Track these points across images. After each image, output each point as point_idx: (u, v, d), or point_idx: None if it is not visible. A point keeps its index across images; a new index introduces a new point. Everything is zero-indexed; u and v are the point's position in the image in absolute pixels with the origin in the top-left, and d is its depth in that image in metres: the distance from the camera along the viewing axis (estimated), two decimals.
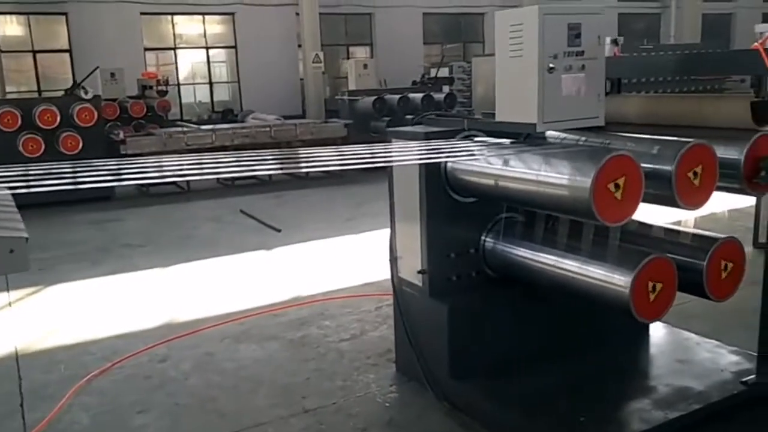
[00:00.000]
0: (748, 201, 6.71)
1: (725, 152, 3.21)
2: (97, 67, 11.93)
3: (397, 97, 12.36)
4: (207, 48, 18.08)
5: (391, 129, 3.93)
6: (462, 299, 3.61)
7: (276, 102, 17.25)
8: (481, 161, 3.36)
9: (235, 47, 18.07)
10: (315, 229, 7.91)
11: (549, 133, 3.59)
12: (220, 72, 18.74)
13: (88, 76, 11.37)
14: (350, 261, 6.44)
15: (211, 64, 18.41)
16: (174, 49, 17.64)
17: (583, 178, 2.79)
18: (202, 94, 18.71)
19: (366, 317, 4.95)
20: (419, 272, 3.68)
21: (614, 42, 3.95)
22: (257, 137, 11.25)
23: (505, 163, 3.23)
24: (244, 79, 18.10)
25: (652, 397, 3.36)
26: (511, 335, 3.69)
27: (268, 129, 11.47)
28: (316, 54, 17.07)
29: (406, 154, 3.47)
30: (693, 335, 4.04)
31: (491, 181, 3.32)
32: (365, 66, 14.18)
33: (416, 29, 19.95)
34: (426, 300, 3.68)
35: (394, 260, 3.94)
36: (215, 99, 18.53)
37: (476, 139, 3.59)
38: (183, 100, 18.32)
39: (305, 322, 4.97)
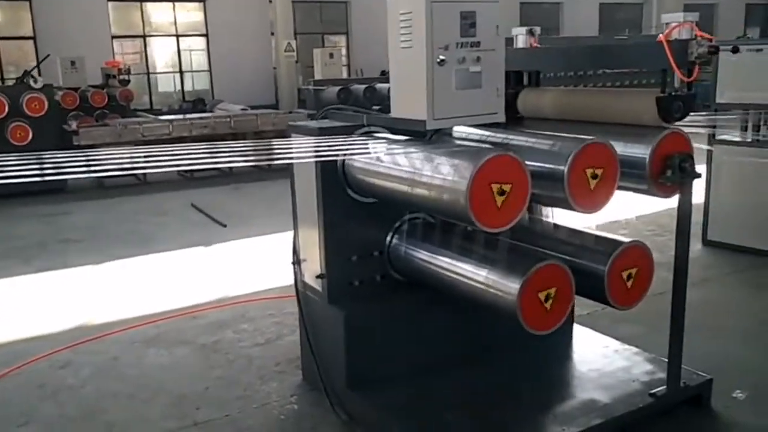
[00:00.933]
0: (698, 196, 6.55)
1: (631, 150, 3.02)
2: (48, 55, 11.59)
3: (363, 87, 12.09)
4: (177, 36, 17.73)
5: (291, 123, 3.70)
6: (362, 306, 3.40)
7: (249, 91, 16.97)
8: (374, 159, 3.15)
9: (206, 35, 17.72)
10: (262, 223, 7.66)
11: (457, 128, 3.40)
12: (200, 60, 18.36)
13: (38, 65, 11.04)
14: (287, 258, 6.20)
15: (191, 53, 18.05)
16: (143, 37, 17.28)
17: (460, 179, 2.58)
18: (184, 83, 18.31)
19: (286, 320, 4.74)
20: (317, 277, 3.47)
21: (530, 32, 3.72)
22: (217, 128, 10.97)
23: (393, 161, 3.02)
24: (216, 68, 17.78)
25: (554, 411, 3.18)
26: (416, 343, 3.49)
27: (228, 120, 11.19)
28: (289, 42, 16.79)
29: (298, 150, 3.27)
30: (613, 341, 3.86)
31: (379, 181, 3.11)
32: (331, 55, 13.90)
33: None
34: (325, 306, 3.47)
35: (297, 263, 3.73)
36: (196, 88, 18.15)
37: (377, 135, 3.37)
38: (162, 89, 17.98)
39: (223, 324, 4.75)
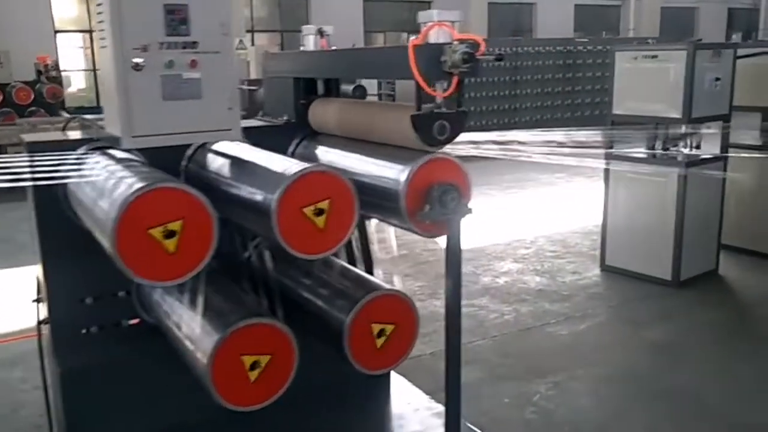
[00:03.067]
0: (596, 218, 5.99)
1: (385, 179, 2.45)
2: None
3: None
4: None
5: (24, 135, 3.12)
6: (89, 359, 2.81)
7: None
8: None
9: None
10: None
11: (221, 145, 2.81)
12: None
13: None
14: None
15: None
16: (90, 32, 16.64)
17: (110, 210, 2.00)
18: None
19: None
20: (39, 323, 2.90)
21: (320, 33, 3.14)
22: None
23: (90, 188, 2.44)
24: None
25: None
26: (167, 405, 2.88)
27: None
28: (240, 40, 16.18)
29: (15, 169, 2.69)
30: (422, 398, 3.26)
31: (78, 209, 2.55)
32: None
33: (356, 15, 19.03)
34: (50, 358, 2.89)
35: (38, 301, 3.14)
36: None
37: (109, 152, 2.78)
38: None
39: (19, 359, 4.19)
